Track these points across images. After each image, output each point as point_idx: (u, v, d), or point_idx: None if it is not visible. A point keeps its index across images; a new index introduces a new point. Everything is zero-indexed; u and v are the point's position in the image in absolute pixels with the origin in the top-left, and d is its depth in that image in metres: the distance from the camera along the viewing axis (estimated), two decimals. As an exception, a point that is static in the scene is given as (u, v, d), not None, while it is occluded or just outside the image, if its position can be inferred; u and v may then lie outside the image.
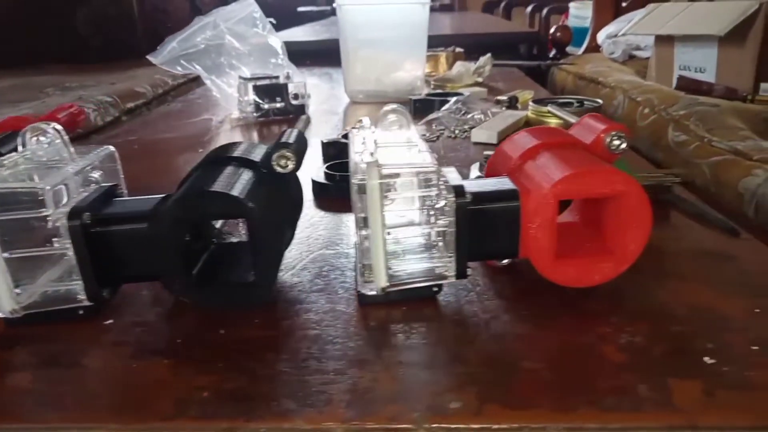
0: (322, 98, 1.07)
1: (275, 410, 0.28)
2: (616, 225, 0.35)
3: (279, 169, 0.36)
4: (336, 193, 0.55)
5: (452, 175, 0.35)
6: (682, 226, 0.47)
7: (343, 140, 0.64)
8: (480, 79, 1.10)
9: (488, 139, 0.75)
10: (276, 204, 0.37)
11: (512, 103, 0.90)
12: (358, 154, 0.34)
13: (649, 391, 0.28)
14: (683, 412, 0.26)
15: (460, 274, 0.35)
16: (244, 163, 0.37)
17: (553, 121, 0.79)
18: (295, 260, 0.42)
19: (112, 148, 0.40)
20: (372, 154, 0.33)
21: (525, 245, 0.35)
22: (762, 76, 1.16)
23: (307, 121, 0.48)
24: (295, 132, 0.40)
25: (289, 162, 0.36)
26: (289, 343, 0.33)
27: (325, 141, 0.66)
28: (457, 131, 0.79)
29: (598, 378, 0.29)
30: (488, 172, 0.41)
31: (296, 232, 0.43)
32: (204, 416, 0.28)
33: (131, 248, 0.34)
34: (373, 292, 0.35)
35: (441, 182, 0.33)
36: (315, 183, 0.57)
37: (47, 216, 0.32)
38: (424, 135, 0.77)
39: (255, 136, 0.83)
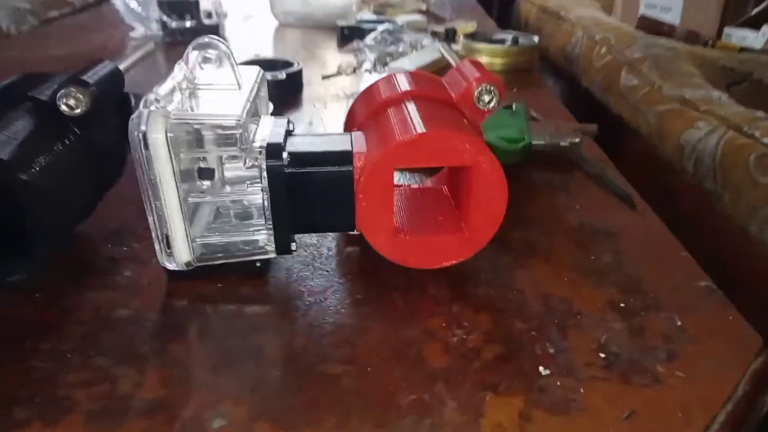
0: (244, 19, 0.96)
1: None
2: (468, 201, 0.29)
3: (65, 110, 0.29)
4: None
5: (276, 129, 0.29)
6: (576, 192, 0.41)
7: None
8: (424, 7, 1.00)
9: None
10: (64, 165, 0.30)
11: (449, 36, 0.82)
12: (151, 96, 0.27)
13: (457, 412, 0.23)
14: (483, 443, 0.22)
15: (282, 249, 0.29)
16: (33, 102, 0.30)
17: (483, 59, 0.72)
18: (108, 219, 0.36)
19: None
20: (158, 99, 0.26)
21: (358, 218, 0.29)
22: (727, 21, 1.09)
23: (149, 52, 0.40)
24: (108, 67, 0.33)
25: (79, 103, 0.29)
26: (63, 327, 0.27)
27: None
28: (376, 64, 0.71)
29: (403, 390, 0.24)
30: (348, 120, 0.35)
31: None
32: None
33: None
34: (176, 267, 0.29)
35: (246, 139, 0.27)
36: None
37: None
38: (345, 66, 0.70)
39: (155, 62, 0.73)
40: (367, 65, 0.71)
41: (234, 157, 0.29)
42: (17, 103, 0.30)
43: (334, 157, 0.28)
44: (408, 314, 0.29)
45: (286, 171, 0.27)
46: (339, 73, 0.69)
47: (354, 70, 0.70)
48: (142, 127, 0.26)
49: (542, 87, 0.68)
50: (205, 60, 0.30)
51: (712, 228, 0.87)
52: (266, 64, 0.59)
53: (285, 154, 0.27)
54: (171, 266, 0.29)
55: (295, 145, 0.28)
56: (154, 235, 0.28)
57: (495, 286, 0.31)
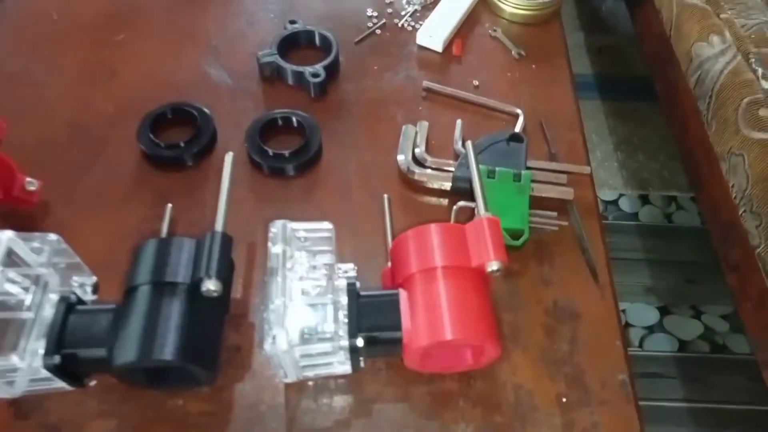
0: None
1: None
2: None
3: (205, 293, 0.43)
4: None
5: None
6: (559, 261, 0.55)
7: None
8: None
9: (433, 45, 0.72)
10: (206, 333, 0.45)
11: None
12: (272, 306, 0.41)
13: (457, 495, 0.44)
14: None
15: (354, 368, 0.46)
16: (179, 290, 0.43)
17: (507, 9, 0.74)
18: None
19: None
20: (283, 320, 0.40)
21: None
22: None
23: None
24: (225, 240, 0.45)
25: (217, 290, 0.43)
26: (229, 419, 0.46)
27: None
28: (405, 19, 0.74)
29: (430, 475, 0.44)
30: (393, 256, 0.48)
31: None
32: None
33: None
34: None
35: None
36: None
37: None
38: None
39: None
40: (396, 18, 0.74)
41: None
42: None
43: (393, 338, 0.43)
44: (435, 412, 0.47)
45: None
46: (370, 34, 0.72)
47: (381, 28, 0.73)
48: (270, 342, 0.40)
49: (559, 56, 0.72)
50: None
51: (696, 139, 1.00)
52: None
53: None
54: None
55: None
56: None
57: (487, 381, 0.48)
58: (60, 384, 0.44)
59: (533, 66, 0.71)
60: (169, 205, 0.55)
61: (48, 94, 0.66)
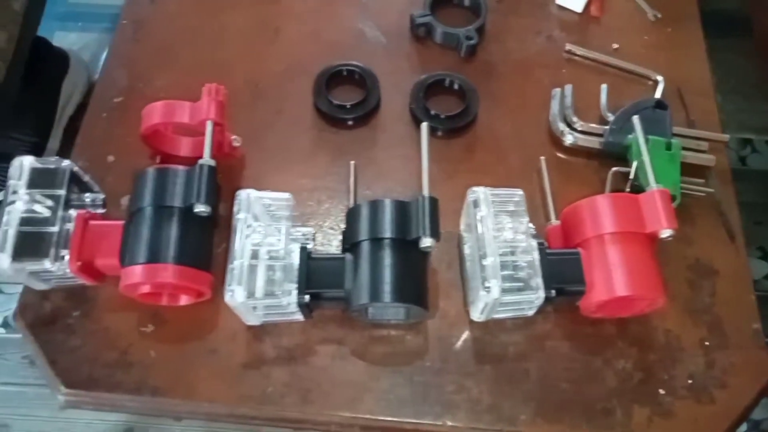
0: None
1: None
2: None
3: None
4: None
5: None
6: (700, 222, 0.62)
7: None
8: None
9: (573, 6, 0.75)
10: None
11: None
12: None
13: (623, 416, 0.53)
14: (633, 434, 0.53)
15: (533, 313, 0.55)
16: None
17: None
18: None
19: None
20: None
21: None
22: None
23: None
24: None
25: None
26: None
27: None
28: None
29: (599, 399, 0.54)
30: (566, 220, 0.55)
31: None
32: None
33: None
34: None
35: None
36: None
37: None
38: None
39: None
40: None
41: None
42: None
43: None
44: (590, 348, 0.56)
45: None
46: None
47: (522, -10, 0.76)
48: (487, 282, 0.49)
49: (693, 19, 0.75)
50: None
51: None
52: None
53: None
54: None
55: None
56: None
57: (641, 325, 0.57)
58: (297, 317, 0.53)
59: (668, 29, 0.74)
60: (353, 162, 0.63)
61: (224, 52, 0.71)
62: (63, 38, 1.46)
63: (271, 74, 0.70)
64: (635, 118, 0.57)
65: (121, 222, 0.54)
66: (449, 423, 0.53)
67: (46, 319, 0.56)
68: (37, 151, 1.27)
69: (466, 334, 0.56)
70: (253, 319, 0.53)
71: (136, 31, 0.73)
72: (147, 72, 0.70)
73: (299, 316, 0.53)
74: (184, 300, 0.55)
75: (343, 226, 0.58)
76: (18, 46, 1.00)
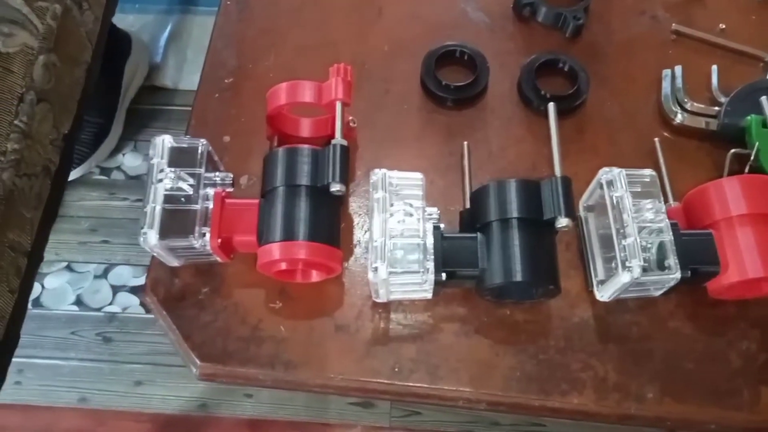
0: None
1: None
2: None
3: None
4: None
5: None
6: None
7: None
8: None
9: (677, -15, 0.74)
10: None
11: None
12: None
13: (748, 398, 0.54)
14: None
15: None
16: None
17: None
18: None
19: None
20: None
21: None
22: None
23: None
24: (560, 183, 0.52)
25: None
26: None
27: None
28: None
29: (726, 380, 0.54)
30: (693, 201, 0.55)
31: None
32: (515, 386, 0.54)
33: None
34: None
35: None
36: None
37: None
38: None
39: None
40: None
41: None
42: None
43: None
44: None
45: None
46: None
47: (624, -31, 0.75)
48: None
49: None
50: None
51: None
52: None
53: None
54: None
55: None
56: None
57: (762, 305, 0.57)
58: (425, 294, 0.54)
59: (776, 9, 0.73)
60: (466, 143, 0.63)
61: (329, 33, 0.72)
62: (122, 20, 1.47)
63: (376, 54, 0.70)
64: (764, 99, 0.56)
65: (257, 200, 0.55)
66: (576, 401, 0.54)
67: (177, 295, 0.58)
68: (103, 132, 1.29)
69: (588, 314, 0.57)
70: (384, 296, 0.54)
71: (241, 11, 0.73)
72: (254, 52, 0.70)
73: (427, 294, 0.54)
74: (315, 276, 0.56)
75: (458, 206, 0.59)
76: (102, 28, 1.01)
